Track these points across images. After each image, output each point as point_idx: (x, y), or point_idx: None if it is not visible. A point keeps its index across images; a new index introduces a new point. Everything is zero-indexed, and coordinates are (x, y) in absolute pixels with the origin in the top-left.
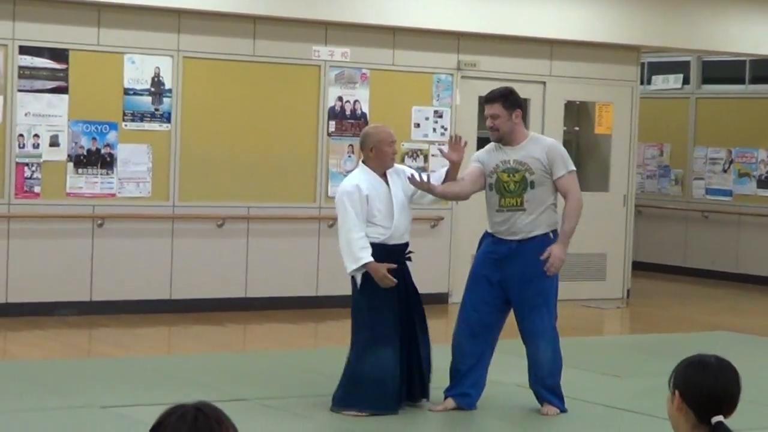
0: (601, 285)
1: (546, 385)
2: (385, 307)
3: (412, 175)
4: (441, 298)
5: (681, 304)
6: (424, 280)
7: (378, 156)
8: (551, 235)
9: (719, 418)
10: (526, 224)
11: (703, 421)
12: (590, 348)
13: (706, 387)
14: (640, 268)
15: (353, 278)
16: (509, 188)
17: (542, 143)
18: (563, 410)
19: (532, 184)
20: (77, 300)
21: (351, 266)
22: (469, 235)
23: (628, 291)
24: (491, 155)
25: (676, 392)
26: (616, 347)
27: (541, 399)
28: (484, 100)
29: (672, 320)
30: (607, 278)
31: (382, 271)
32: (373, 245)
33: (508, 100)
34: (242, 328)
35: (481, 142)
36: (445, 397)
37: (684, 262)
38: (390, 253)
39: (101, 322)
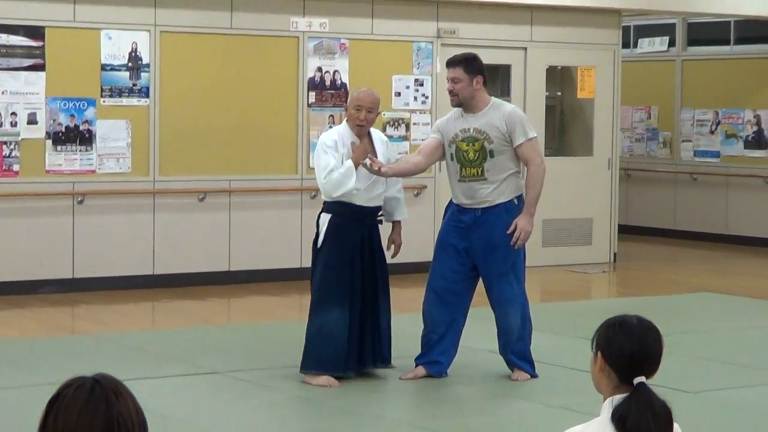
0: (587, 249)
1: (515, 351)
2: (341, 266)
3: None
4: (424, 267)
5: (668, 266)
6: (407, 249)
7: (348, 117)
8: (515, 201)
9: (641, 378)
10: (488, 194)
11: (625, 382)
12: (572, 313)
13: (627, 348)
14: (630, 231)
15: (316, 235)
16: (468, 157)
17: (502, 110)
18: (534, 375)
19: (492, 153)
20: (59, 278)
21: (348, 183)
22: None
23: (615, 255)
24: (452, 124)
25: (599, 353)
26: (598, 312)
27: (511, 365)
28: (446, 64)
29: (658, 283)
30: (593, 243)
31: (359, 150)
32: (344, 204)
33: (470, 64)
34: (226, 302)
35: None
36: (416, 365)
37: (674, 225)
38: (360, 214)
39: (83, 299)
